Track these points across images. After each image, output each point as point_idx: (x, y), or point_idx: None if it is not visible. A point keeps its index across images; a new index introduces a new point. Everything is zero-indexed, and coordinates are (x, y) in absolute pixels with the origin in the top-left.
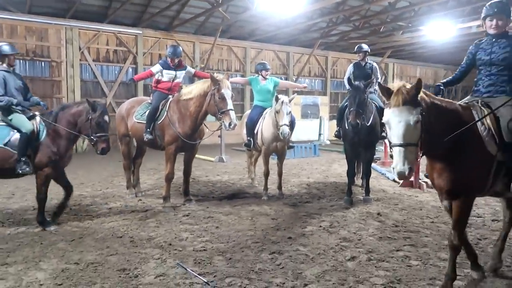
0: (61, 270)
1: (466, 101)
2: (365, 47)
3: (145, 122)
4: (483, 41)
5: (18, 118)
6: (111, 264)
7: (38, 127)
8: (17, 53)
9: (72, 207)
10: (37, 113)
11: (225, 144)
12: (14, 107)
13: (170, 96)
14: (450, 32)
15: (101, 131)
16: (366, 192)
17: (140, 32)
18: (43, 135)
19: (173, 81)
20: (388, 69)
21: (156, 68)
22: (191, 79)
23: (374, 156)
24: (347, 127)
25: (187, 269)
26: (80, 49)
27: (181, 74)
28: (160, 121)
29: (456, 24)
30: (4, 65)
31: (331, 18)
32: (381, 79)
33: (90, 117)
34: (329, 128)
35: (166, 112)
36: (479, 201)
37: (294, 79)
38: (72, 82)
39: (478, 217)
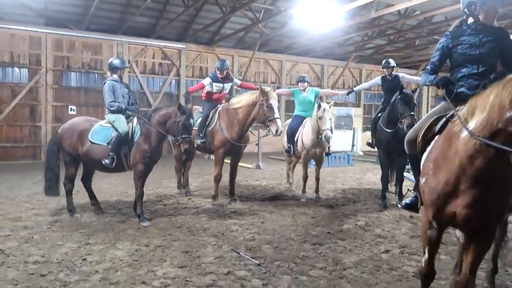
0: (135, 250)
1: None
2: (392, 62)
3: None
4: (460, 32)
5: (119, 121)
6: (176, 247)
7: (134, 128)
8: (126, 67)
9: (131, 203)
10: (136, 115)
11: (262, 152)
12: (122, 111)
13: (219, 105)
14: None
15: (186, 132)
16: (399, 197)
17: (184, 46)
18: (138, 135)
19: (220, 92)
20: None
21: (207, 81)
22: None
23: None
24: (382, 135)
25: (241, 253)
26: (129, 62)
27: (228, 86)
28: (211, 128)
29: None
30: (115, 76)
31: (367, 32)
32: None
33: (178, 120)
34: (362, 139)
35: (216, 120)
36: None
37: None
38: None
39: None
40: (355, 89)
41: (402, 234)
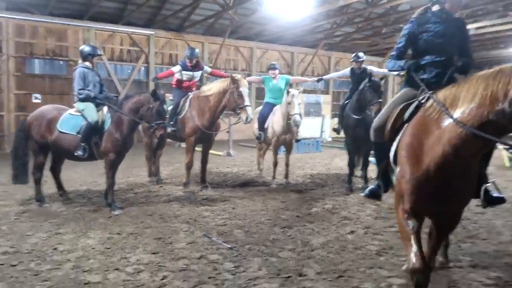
0: (107, 238)
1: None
2: (361, 56)
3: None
4: (425, 19)
5: (88, 110)
6: (148, 234)
7: (104, 117)
8: (99, 54)
9: (101, 192)
10: (106, 103)
11: (232, 140)
12: (90, 99)
13: (189, 93)
14: None
15: (160, 118)
16: (365, 181)
17: (153, 32)
18: (108, 123)
19: (190, 80)
20: None
21: (176, 68)
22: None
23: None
24: (349, 122)
25: (213, 238)
26: None
27: (198, 74)
28: (182, 115)
29: None
30: (87, 63)
31: (335, 20)
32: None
33: (151, 106)
34: (331, 126)
35: (187, 107)
36: None
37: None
38: None
39: None
40: (324, 77)
41: (367, 215)
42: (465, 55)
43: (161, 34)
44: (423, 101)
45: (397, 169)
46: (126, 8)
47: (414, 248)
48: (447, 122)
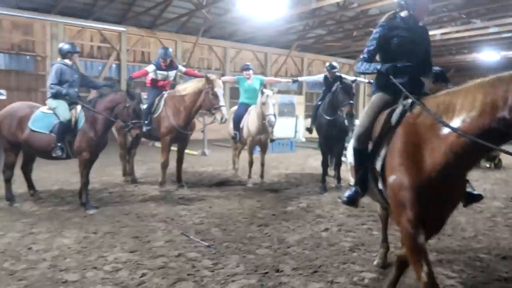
0: (83, 237)
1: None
2: (336, 67)
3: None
4: (395, 24)
5: (61, 108)
6: (125, 233)
7: (77, 116)
8: (77, 52)
9: (74, 192)
10: (79, 102)
11: (207, 139)
12: (61, 96)
13: (164, 92)
14: None
15: (137, 118)
16: (338, 180)
17: (124, 29)
18: (82, 122)
19: (165, 80)
20: None
21: (150, 68)
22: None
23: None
24: (322, 122)
25: (190, 236)
26: None
27: (172, 73)
28: (157, 115)
29: None
30: (66, 60)
31: (308, 22)
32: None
33: (128, 105)
34: (304, 126)
35: (162, 107)
36: None
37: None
38: None
39: None
40: (299, 78)
41: (340, 213)
42: (429, 61)
43: (133, 31)
44: (406, 107)
45: (392, 177)
46: (96, 4)
47: (426, 268)
48: (446, 130)
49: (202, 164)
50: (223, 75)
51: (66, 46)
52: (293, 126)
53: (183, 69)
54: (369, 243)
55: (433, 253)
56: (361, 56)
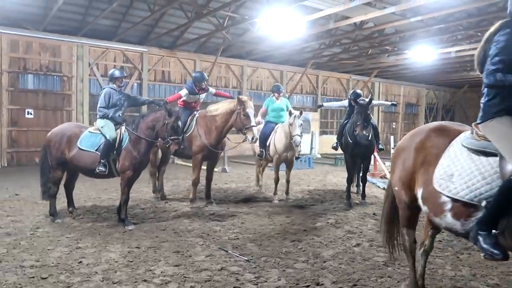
0: (128, 252)
1: None
2: (359, 94)
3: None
4: None
5: (107, 127)
6: (166, 248)
7: (122, 135)
8: (125, 76)
9: (108, 208)
10: (123, 123)
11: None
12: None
13: (195, 112)
14: (432, 55)
15: (175, 134)
16: (363, 196)
17: (146, 50)
18: (126, 142)
19: (196, 101)
20: (374, 88)
21: (183, 92)
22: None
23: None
24: (349, 140)
25: (229, 251)
26: (89, 65)
27: (203, 95)
28: (188, 134)
29: (437, 49)
30: (114, 85)
31: (324, 41)
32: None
33: (166, 122)
34: (320, 143)
35: (194, 126)
36: None
37: (287, 96)
38: (82, 96)
39: None
40: (324, 104)
41: (369, 229)
42: None
43: (154, 51)
44: None
45: None
46: (120, 26)
47: None
48: None
49: (224, 181)
50: (239, 92)
51: (116, 72)
52: (309, 143)
53: (213, 91)
54: (402, 258)
55: (466, 268)
56: (491, 68)
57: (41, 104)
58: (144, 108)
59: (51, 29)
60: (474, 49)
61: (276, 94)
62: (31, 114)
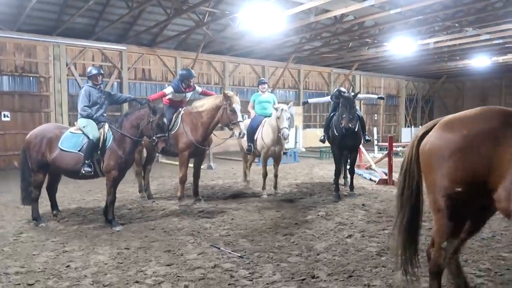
0: (117, 253)
1: None
2: (344, 92)
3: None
4: None
5: (90, 127)
6: (156, 247)
7: (105, 134)
8: (101, 74)
9: (93, 209)
10: (107, 122)
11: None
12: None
13: (180, 109)
14: (411, 47)
15: (161, 131)
16: (351, 188)
17: (125, 48)
18: (110, 141)
19: (182, 100)
20: (355, 80)
21: (168, 90)
22: None
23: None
24: (336, 133)
25: (221, 248)
26: (67, 65)
27: (189, 94)
28: (174, 131)
29: (416, 40)
30: (91, 82)
31: (305, 35)
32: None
33: (151, 120)
34: (304, 136)
35: (179, 123)
36: None
37: (270, 90)
38: (60, 96)
39: None
40: (309, 100)
41: (359, 220)
42: None
43: (133, 49)
44: None
45: None
46: (97, 24)
47: None
48: None
49: (211, 178)
50: (221, 88)
51: (92, 70)
52: (293, 137)
53: (200, 89)
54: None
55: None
56: None
57: (18, 106)
58: (126, 107)
59: (26, 29)
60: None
61: (261, 86)
62: (7, 116)
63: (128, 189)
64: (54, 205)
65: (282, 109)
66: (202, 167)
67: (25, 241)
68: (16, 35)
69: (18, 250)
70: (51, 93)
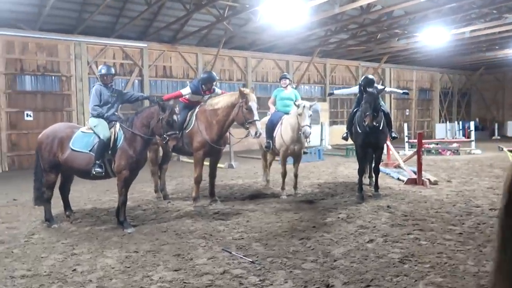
0: (125, 257)
1: None
2: (370, 79)
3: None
4: None
5: (101, 126)
6: (166, 251)
7: (116, 134)
8: (113, 74)
9: (108, 210)
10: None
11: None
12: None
13: (196, 107)
14: (444, 37)
15: (171, 129)
16: (375, 188)
17: (146, 45)
18: (121, 140)
19: (199, 100)
20: (385, 74)
21: (186, 91)
22: None
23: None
24: (359, 130)
25: (232, 252)
26: (88, 63)
27: (207, 97)
28: (189, 129)
29: (450, 30)
30: (104, 81)
31: (330, 27)
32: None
33: (161, 118)
34: (330, 134)
35: (194, 121)
36: (477, 193)
37: (294, 86)
38: (82, 95)
39: (477, 207)
40: (335, 92)
41: (383, 223)
42: None
43: (154, 46)
44: None
45: None
46: (118, 22)
47: None
48: None
49: (231, 177)
50: (244, 85)
51: (102, 70)
52: (318, 134)
53: (219, 91)
54: (419, 254)
55: (491, 263)
56: None
57: (40, 106)
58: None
59: (47, 28)
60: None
61: (283, 81)
62: (30, 116)
63: (145, 189)
64: (67, 205)
65: (304, 106)
66: (222, 166)
67: (35, 243)
68: (38, 35)
69: (27, 252)
70: (72, 91)
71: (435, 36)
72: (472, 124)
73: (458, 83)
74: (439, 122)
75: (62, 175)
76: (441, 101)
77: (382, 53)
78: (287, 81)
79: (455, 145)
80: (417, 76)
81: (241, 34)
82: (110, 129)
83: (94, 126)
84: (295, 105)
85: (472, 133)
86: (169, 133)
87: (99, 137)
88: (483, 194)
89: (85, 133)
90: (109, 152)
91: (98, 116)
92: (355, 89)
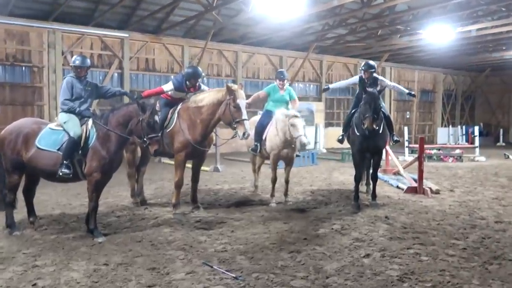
0: (93, 270)
1: None
2: (373, 65)
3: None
4: None
5: (71, 123)
6: (140, 264)
7: (88, 131)
8: (88, 67)
9: (78, 216)
10: (91, 117)
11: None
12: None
13: (178, 104)
14: (449, 35)
15: (152, 131)
16: (373, 197)
17: (127, 35)
18: (93, 139)
19: (182, 97)
20: (385, 74)
21: (168, 87)
22: None
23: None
24: (357, 133)
25: (214, 266)
26: (63, 53)
27: (191, 94)
28: (170, 129)
29: (455, 27)
30: (73, 73)
31: (327, 21)
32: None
33: (140, 118)
34: (325, 136)
35: (175, 119)
36: (482, 204)
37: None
38: (54, 88)
39: (482, 219)
40: (331, 86)
41: (380, 236)
42: None
43: (136, 36)
44: None
45: None
46: (97, 8)
47: None
48: None
49: (216, 181)
50: (233, 81)
51: (76, 61)
52: (312, 136)
53: (206, 88)
54: (420, 271)
55: (497, 282)
56: None
57: (9, 99)
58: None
59: (18, 14)
60: (497, 27)
61: (279, 82)
62: None
63: (121, 193)
64: (31, 211)
65: (293, 116)
66: (207, 169)
67: None
68: (7, 20)
69: None
70: (45, 84)
71: (440, 34)
72: (476, 129)
73: (462, 85)
74: (441, 126)
75: (27, 177)
76: (443, 104)
77: (383, 50)
78: (285, 82)
79: (458, 151)
80: (419, 77)
81: (231, 26)
82: (81, 126)
83: (64, 123)
84: (284, 115)
85: (476, 139)
86: (150, 136)
87: (69, 134)
88: (488, 205)
89: (53, 130)
90: (80, 152)
91: (69, 111)
92: (354, 79)
